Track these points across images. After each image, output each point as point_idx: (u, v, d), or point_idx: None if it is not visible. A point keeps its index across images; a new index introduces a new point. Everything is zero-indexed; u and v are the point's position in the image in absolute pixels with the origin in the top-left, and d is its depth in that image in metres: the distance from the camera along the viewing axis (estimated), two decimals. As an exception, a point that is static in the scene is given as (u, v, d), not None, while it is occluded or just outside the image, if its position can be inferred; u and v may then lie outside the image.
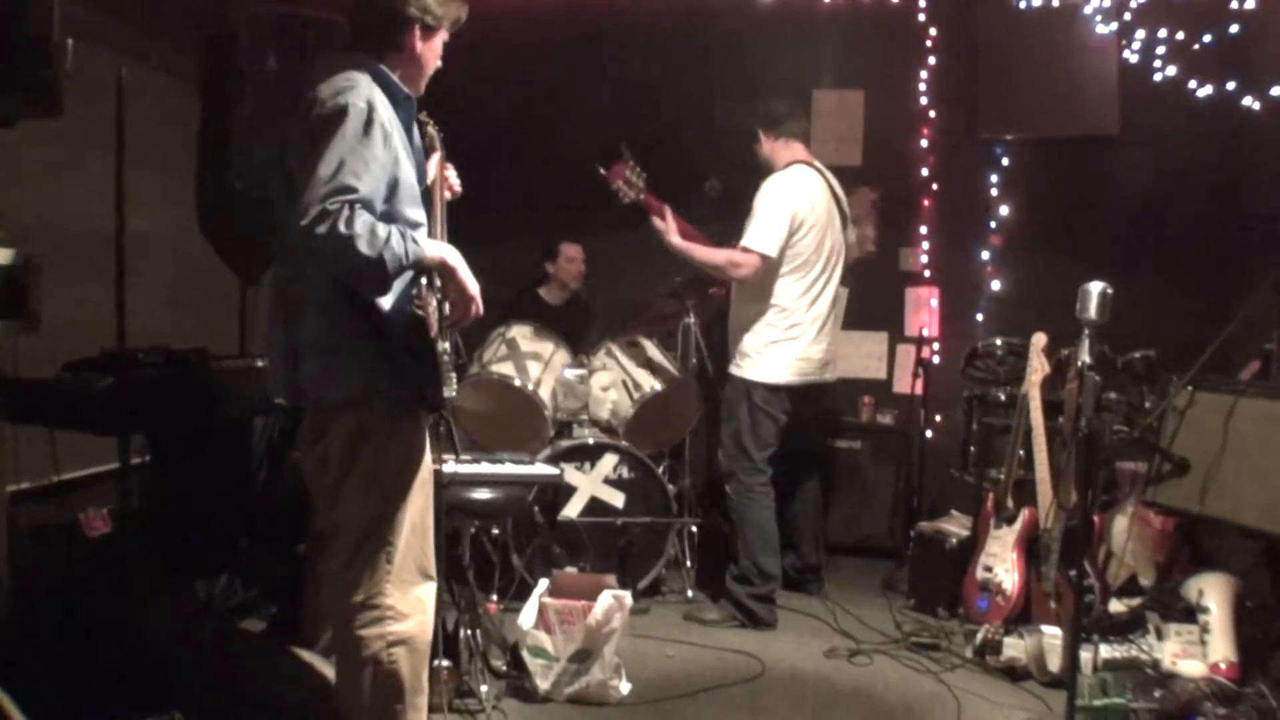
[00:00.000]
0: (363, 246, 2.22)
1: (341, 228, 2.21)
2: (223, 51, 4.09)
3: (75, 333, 3.07)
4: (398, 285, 2.41)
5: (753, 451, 4.32)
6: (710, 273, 4.45)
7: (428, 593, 2.59)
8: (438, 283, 2.49)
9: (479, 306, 2.54)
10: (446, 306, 2.50)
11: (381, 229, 2.27)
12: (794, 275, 4.30)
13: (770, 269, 4.26)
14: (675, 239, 4.34)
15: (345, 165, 2.26)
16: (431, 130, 2.71)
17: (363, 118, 2.32)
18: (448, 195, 2.77)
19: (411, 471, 2.55)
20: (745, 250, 4.23)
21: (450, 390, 2.51)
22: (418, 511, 2.56)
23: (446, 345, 2.51)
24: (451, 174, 2.81)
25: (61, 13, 2.43)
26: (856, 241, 4.72)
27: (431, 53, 2.61)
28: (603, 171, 4.33)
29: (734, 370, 4.41)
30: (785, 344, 4.30)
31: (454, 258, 2.48)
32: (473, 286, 2.51)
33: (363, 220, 2.24)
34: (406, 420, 2.53)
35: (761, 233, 4.21)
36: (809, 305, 4.32)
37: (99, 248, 3.09)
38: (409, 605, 2.52)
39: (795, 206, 4.26)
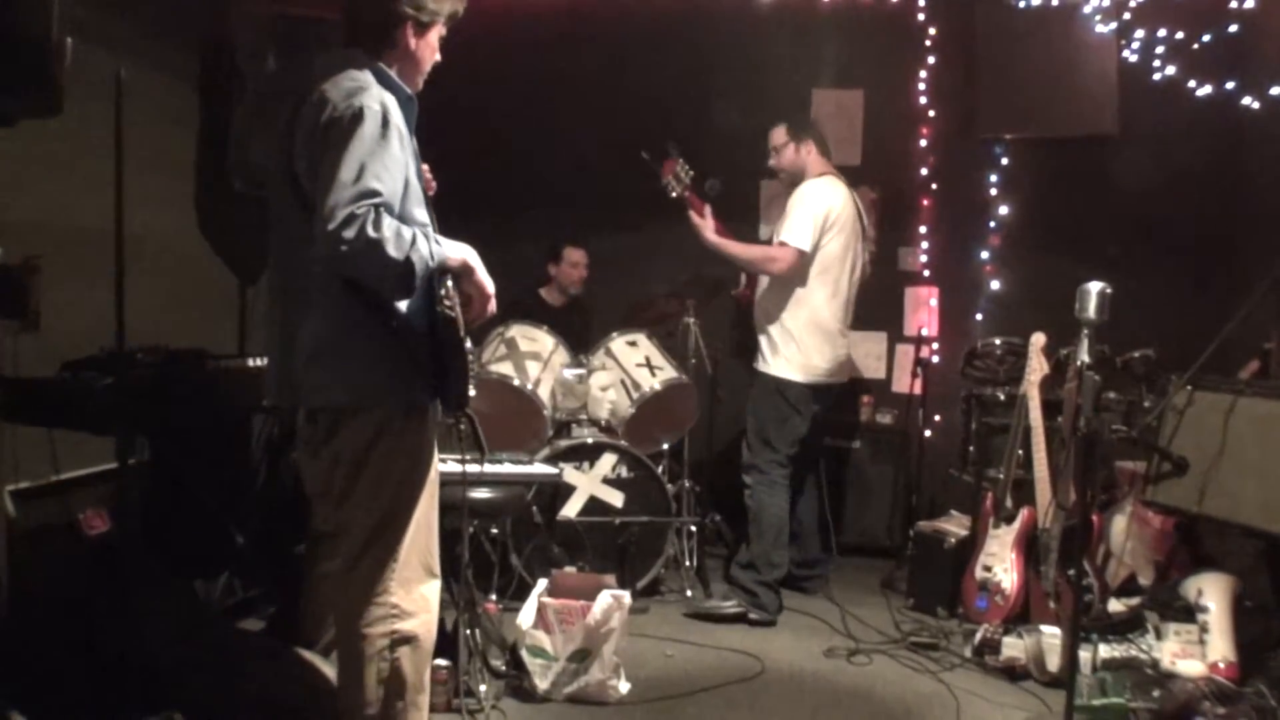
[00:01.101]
0: (391, 249, 2.22)
1: (370, 231, 2.20)
2: (222, 51, 4.10)
3: (74, 332, 3.07)
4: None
5: (779, 446, 4.39)
6: (745, 268, 4.54)
7: (432, 591, 2.60)
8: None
9: (493, 305, 2.55)
10: (464, 307, 2.51)
11: (406, 231, 2.28)
12: (824, 277, 4.37)
13: (804, 266, 4.32)
14: (711, 235, 4.43)
15: (367, 168, 2.26)
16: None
17: (379, 120, 2.32)
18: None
19: (420, 472, 2.55)
20: (782, 245, 4.31)
21: (472, 389, 2.51)
22: (423, 510, 2.57)
23: (470, 344, 2.51)
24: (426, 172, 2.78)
25: (61, 12, 2.43)
26: (868, 259, 4.75)
27: (428, 49, 2.59)
28: (647, 158, 4.42)
29: (764, 368, 4.45)
30: (818, 345, 4.37)
31: (473, 258, 2.49)
32: (490, 286, 2.52)
33: (388, 223, 2.24)
34: (417, 422, 2.53)
35: (797, 229, 4.29)
36: (839, 308, 4.42)
37: (98, 247, 3.09)
38: (413, 604, 2.53)
39: (829, 207, 4.34)
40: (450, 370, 2.46)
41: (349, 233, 2.20)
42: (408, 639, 2.51)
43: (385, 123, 2.33)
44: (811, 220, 4.30)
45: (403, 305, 2.42)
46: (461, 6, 2.64)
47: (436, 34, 2.60)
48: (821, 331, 4.37)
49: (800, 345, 4.36)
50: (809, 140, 4.53)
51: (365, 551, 2.49)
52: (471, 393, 2.52)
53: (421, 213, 2.51)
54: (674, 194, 4.46)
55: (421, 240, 2.30)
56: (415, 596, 2.54)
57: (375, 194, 2.25)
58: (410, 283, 2.32)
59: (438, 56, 2.64)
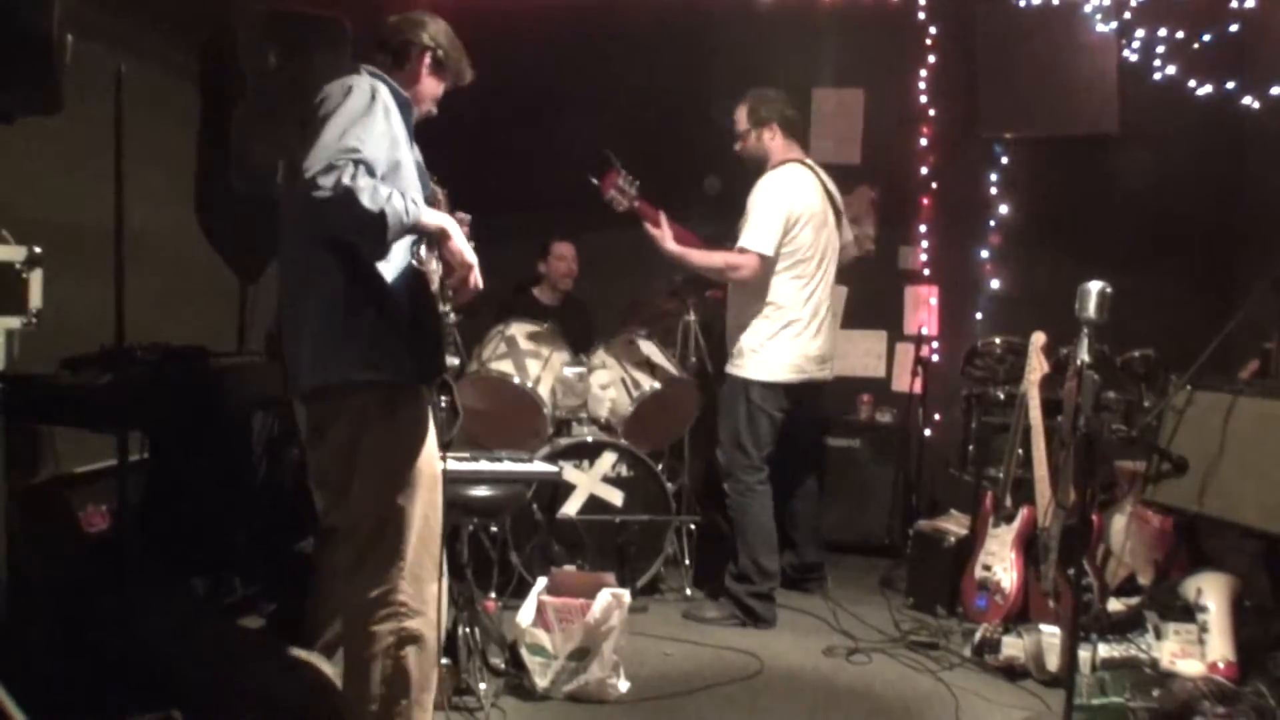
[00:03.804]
0: (365, 200, 2.26)
1: (346, 179, 2.25)
2: (223, 49, 4.09)
3: (74, 329, 3.06)
4: (399, 258, 2.44)
5: (751, 450, 4.32)
6: (708, 276, 4.45)
7: (440, 589, 2.63)
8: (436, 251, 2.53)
9: (478, 278, 2.56)
10: (446, 276, 2.54)
11: (384, 188, 2.32)
12: (790, 273, 4.29)
13: (768, 268, 4.26)
14: (671, 245, 4.34)
15: (349, 131, 2.34)
16: (435, 186, 2.77)
17: (367, 94, 2.43)
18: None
19: (418, 458, 2.56)
20: (742, 251, 4.23)
21: (453, 359, 2.53)
22: (428, 507, 2.59)
23: (449, 308, 2.53)
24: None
25: (61, 9, 2.43)
26: (854, 240, 4.72)
27: (430, 90, 2.76)
28: (595, 182, 4.34)
29: (731, 369, 4.41)
30: (782, 342, 4.29)
31: (452, 226, 2.51)
32: (470, 255, 2.53)
33: (366, 177, 2.29)
34: (409, 408, 2.55)
35: (757, 232, 4.21)
36: (804, 302, 4.32)
37: (98, 244, 3.08)
38: (421, 602, 2.55)
39: (789, 204, 4.26)
40: (423, 334, 2.48)
41: (326, 180, 2.24)
42: (414, 637, 2.53)
43: (373, 97, 2.44)
44: (771, 221, 4.20)
45: (388, 275, 2.45)
46: (469, 76, 2.83)
47: (441, 84, 2.78)
48: (792, 328, 4.29)
49: (768, 343, 4.28)
50: (772, 123, 4.38)
51: (371, 547, 2.52)
52: (452, 360, 2.53)
53: (418, 197, 2.54)
54: (620, 208, 4.36)
55: (398, 198, 2.33)
56: (423, 594, 2.56)
57: (355, 150, 2.31)
58: (383, 236, 2.34)
59: (434, 110, 2.80)
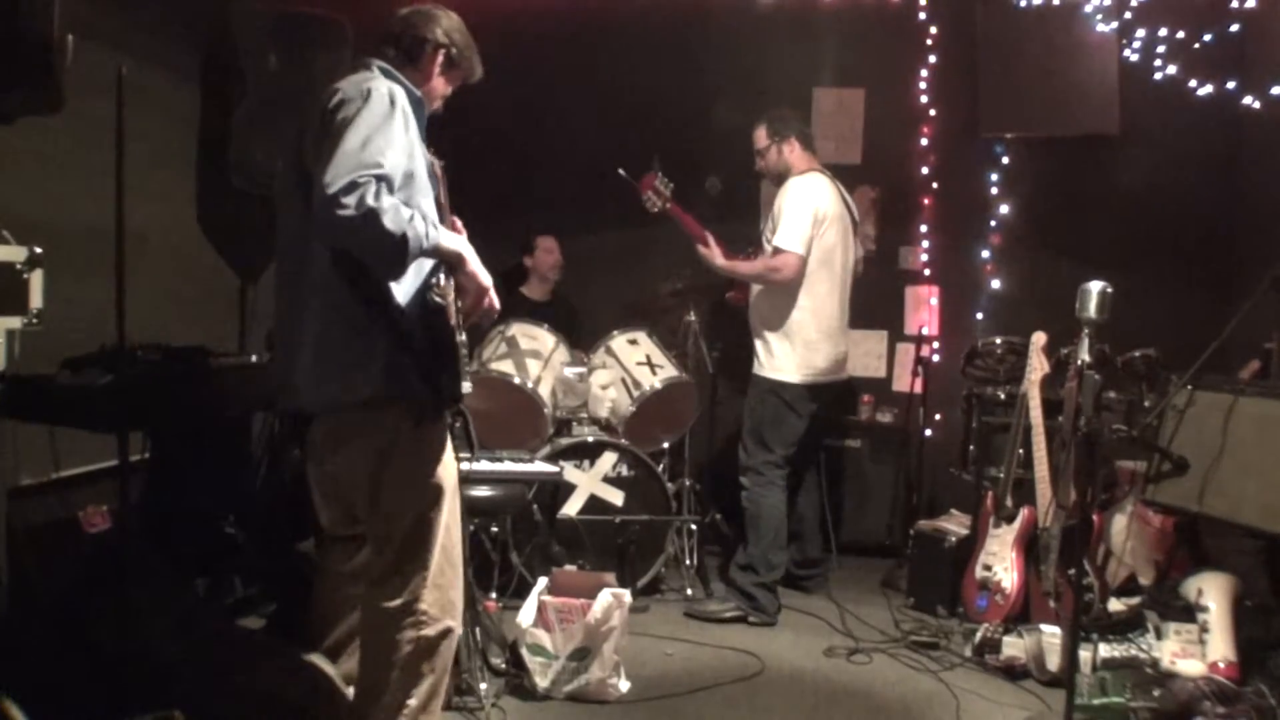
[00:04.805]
0: (388, 222, 2.22)
1: (370, 200, 2.20)
2: (223, 49, 4.10)
3: (75, 329, 3.06)
4: (412, 280, 2.42)
5: (777, 449, 4.37)
6: (755, 283, 4.48)
7: (459, 596, 2.63)
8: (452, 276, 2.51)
9: (493, 299, 2.55)
10: (460, 300, 2.53)
11: (405, 209, 2.28)
12: (818, 274, 4.35)
13: (804, 268, 4.31)
14: (720, 261, 4.43)
15: (371, 141, 2.29)
16: (432, 159, 2.72)
17: (386, 101, 2.37)
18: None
19: (444, 472, 2.57)
20: (780, 251, 4.27)
21: (466, 384, 2.52)
22: (450, 517, 2.59)
23: (464, 337, 2.52)
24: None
25: (62, 9, 2.43)
26: (861, 256, 4.74)
27: (440, 89, 2.72)
28: (626, 177, 4.41)
29: (761, 371, 4.44)
30: (814, 344, 4.35)
31: (468, 250, 2.50)
32: (485, 278, 2.52)
33: (388, 196, 2.25)
34: (432, 421, 2.54)
35: (791, 232, 4.27)
36: (836, 304, 4.40)
37: (99, 244, 3.08)
38: (442, 609, 2.56)
39: (816, 205, 4.32)
40: (441, 362, 2.46)
41: (349, 199, 2.20)
42: (432, 645, 2.54)
43: (392, 103, 2.38)
44: (802, 220, 4.27)
45: (400, 297, 2.42)
46: (479, 72, 2.79)
47: (451, 83, 2.75)
48: (818, 330, 4.35)
49: (795, 346, 4.34)
50: (790, 137, 4.47)
51: (403, 557, 2.52)
52: (467, 387, 2.52)
53: (429, 205, 2.52)
54: (655, 209, 4.44)
55: (419, 219, 2.30)
56: (445, 601, 2.57)
57: (378, 165, 2.26)
58: (403, 259, 2.30)
59: (440, 107, 2.77)
